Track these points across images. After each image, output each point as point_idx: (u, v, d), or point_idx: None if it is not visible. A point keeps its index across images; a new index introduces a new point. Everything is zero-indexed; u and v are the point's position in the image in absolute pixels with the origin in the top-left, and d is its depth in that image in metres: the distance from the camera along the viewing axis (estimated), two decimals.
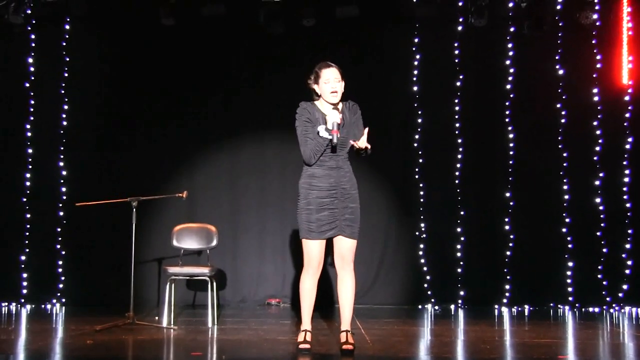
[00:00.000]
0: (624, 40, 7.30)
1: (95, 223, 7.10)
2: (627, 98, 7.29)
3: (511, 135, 7.28)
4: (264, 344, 4.63)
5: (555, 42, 7.29)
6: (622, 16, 7.30)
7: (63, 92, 7.39)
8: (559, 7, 7.21)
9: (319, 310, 5.58)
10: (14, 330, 5.51)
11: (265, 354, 4.32)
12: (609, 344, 5.08)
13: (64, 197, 7.26)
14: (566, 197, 7.21)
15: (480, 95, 7.35)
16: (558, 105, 7.27)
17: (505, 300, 7.16)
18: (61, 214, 7.26)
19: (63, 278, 7.22)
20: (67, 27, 7.42)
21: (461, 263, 7.20)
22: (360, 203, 4.35)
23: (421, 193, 7.32)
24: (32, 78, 7.38)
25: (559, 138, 7.26)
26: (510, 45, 7.32)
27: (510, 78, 7.30)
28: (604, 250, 7.16)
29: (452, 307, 7.16)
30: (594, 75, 7.29)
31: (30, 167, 7.32)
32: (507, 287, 7.16)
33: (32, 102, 7.37)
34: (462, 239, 7.23)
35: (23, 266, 7.21)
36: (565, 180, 7.22)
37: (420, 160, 7.34)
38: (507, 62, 7.31)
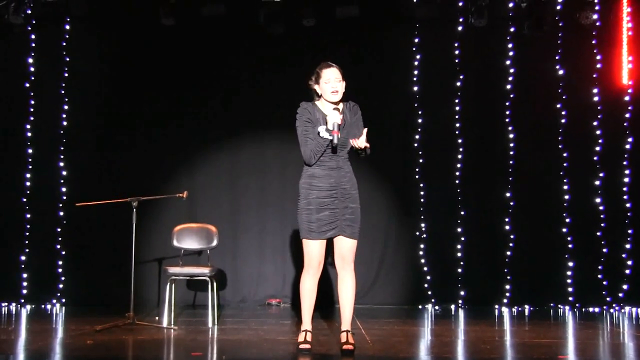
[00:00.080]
0: (624, 40, 7.31)
1: (96, 223, 7.10)
2: (627, 98, 7.30)
3: (511, 136, 7.28)
4: (264, 344, 4.63)
5: (555, 42, 7.30)
6: (622, 16, 7.31)
7: (63, 92, 7.39)
8: (559, 7, 7.21)
9: (319, 311, 5.58)
10: (14, 331, 5.51)
11: (265, 354, 4.31)
12: (609, 344, 5.08)
13: (64, 197, 7.27)
14: (566, 197, 7.21)
15: (481, 96, 7.36)
16: (558, 106, 7.28)
17: (505, 300, 7.16)
18: (61, 214, 7.26)
19: (63, 278, 7.22)
20: (67, 27, 7.42)
21: (461, 263, 7.20)
22: (360, 203, 4.35)
23: (421, 193, 7.33)
24: (32, 78, 7.38)
25: (559, 138, 7.27)
26: (510, 46, 7.32)
27: (510, 78, 7.30)
28: (604, 250, 7.17)
29: (453, 307, 7.16)
30: (594, 76, 7.29)
31: (30, 167, 7.32)
32: (508, 287, 7.16)
33: (32, 102, 7.37)
34: (463, 239, 7.23)
35: (23, 266, 7.21)
36: (565, 180, 7.23)
37: (421, 161, 7.34)
38: (507, 62, 7.31)
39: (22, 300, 7.18)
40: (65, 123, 7.37)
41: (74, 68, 7.42)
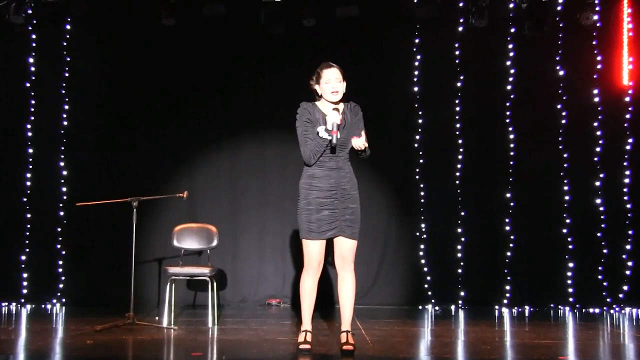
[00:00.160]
0: (625, 41, 7.30)
1: (96, 223, 7.10)
2: (627, 99, 7.30)
3: (511, 136, 7.28)
4: (264, 344, 4.63)
5: (555, 42, 7.29)
6: (622, 17, 7.31)
7: (63, 92, 7.39)
8: (559, 7, 7.21)
9: (319, 311, 5.58)
10: (14, 330, 5.51)
11: (265, 354, 4.31)
12: (610, 344, 5.09)
13: (64, 197, 7.26)
14: (566, 197, 7.21)
15: (481, 96, 7.36)
16: (558, 106, 7.27)
17: (505, 301, 7.15)
18: (61, 213, 7.26)
19: (63, 278, 7.22)
20: (68, 27, 7.42)
21: (461, 263, 7.20)
22: (360, 203, 4.35)
23: (421, 193, 7.32)
24: (33, 78, 7.38)
25: (560, 139, 7.26)
26: (510, 46, 7.32)
27: (510, 79, 7.30)
28: (605, 251, 7.16)
29: (453, 307, 7.16)
30: (595, 76, 7.29)
31: (30, 167, 7.32)
32: (508, 287, 7.16)
33: (33, 102, 7.37)
34: (463, 239, 7.23)
35: (23, 266, 7.20)
36: (565, 181, 7.22)
37: (421, 161, 7.34)
38: (508, 63, 7.31)
39: (22, 300, 7.18)
40: (65, 123, 7.37)
41: (75, 68, 7.43)
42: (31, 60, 7.38)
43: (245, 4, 7.20)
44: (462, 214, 7.25)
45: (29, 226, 7.26)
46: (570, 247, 7.17)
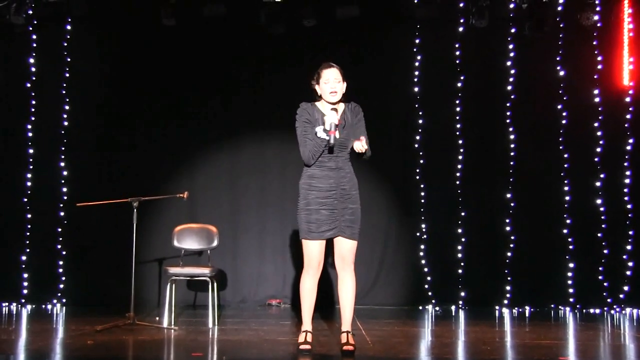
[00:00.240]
0: (625, 41, 7.30)
1: (96, 223, 7.10)
2: (627, 99, 7.30)
3: (512, 136, 7.28)
4: (265, 345, 4.63)
5: (556, 43, 7.29)
6: (623, 17, 7.31)
7: (64, 92, 7.39)
8: (559, 8, 7.21)
9: (320, 311, 5.58)
10: (14, 331, 5.51)
11: (265, 355, 4.31)
12: (610, 345, 5.08)
13: (65, 197, 7.27)
14: (567, 198, 7.20)
15: (481, 96, 7.36)
16: (559, 106, 7.27)
17: (505, 301, 7.15)
18: (62, 214, 7.26)
19: (64, 278, 7.22)
20: (68, 27, 7.42)
21: (462, 264, 7.20)
22: (360, 203, 4.35)
23: (422, 193, 7.32)
24: (33, 78, 7.38)
25: (560, 139, 7.26)
26: (511, 46, 7.32)
27: (511, 79, 7.30)
28: (605, 251, 7.16)
29: (453, 308, 7.15)
30: (595, 77, 7.29)
31: (31, 167, 7.32)
32: (508, 288, 7.15)
33: (33, 102, 7.37)
34: (463, 239, 7.23)
35: (24, 266, 7.20)
36: (566, 181, 7.22)
37: (421, 161, 7.33)
38: (508, 63, 7.31)
39: (23, 300, 7.18)
40: (66, 123, 7.37)
41: (75, 68, 7.43)
42: (31, 60, 7.38)
43: (246, 4, 7.21)
44: (463, 214, 7.25)
45: (29, 226, 7.26)
46: (570, 247, 7.17)
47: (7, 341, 4.79)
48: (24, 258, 7.21)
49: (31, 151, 7.34)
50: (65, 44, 7.42)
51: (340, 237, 4.28)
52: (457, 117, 7.32)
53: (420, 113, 7.36)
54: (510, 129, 7.28)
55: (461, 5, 7.22)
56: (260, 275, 7.43)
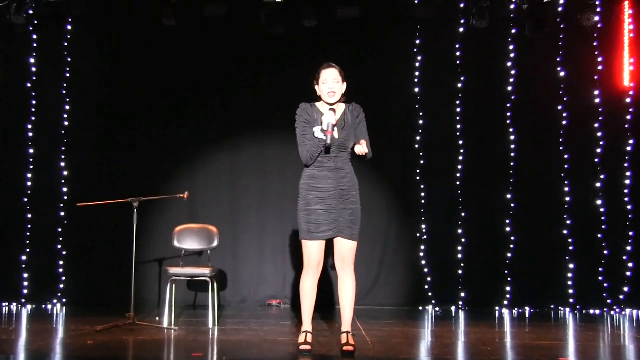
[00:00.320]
0: (626, 42, 7.30)
1: (96, 223, 7.10)
2: (628, 100, 7.30)
3: (512, 137, 7.28)
4: (265, 345, 4.63)
5: (556, 43, 7.29)
6: (623, 18, 7.31)
7: (64, 92, 7.39)
8: (560, 8, 7.21)
9: (320, 312, 5.58)
10: (14, 331, 5.51)
11: (265, 355, 4.32)
12: (610, 346, 5.08)
13: (65, 197, 7.26)
14: (567, 198, 7.20)
15: (481, 97, 7.35)
16: (559, 107, 7.27)
17: (505, 302, 7.15)
18: (62, 214, 7.26)
19: (64, 278, 7.22)
20: (69, 27, 7.42)
21: (462, 264, 7.19)
22: (360, 203, 4.35)
23: (422, 194, 7.32)
24: (34, 78, 7.38)
25: (560, 140, 7.26)
26: (511, 47, 7.31)
27: (511, 79, 7.30)
28: (605, 252, 7.16)
29: (453, 308, 7.15)
30: (595, 77, 7.28)
31: (31, 167, 7.32)
32: (508, 288, 7.15)
33: (34, 102, 7.37)
34: (463, 240, 7.22)
35: (24, 266, 7.20)
36: (566, 182, 7.22)
37: (421, 161, 7.33)
38: (509, 64, 7.30)
39: (23, 300, 7.18)
40: (66, 123, 7.37)
41: (75, 68, 7.43)
42: (32, 60, 7.38)
43: (246, 4, 7.20)
44: (463, 214, 7.24)
45: (29, 226, 7.26)
46: (570, 248, 7.16)
47: (7, 341, 4.79)
48: (24, 258, 7.21)
49: (31, 151, 7.34)
50: (66, 44, 7.42)
51: (340, 238, 4.28)
52: (458, 118, 7.32)
53: (421, 113, 7.35)
54: (511, 130, 7.28)
55: (461, 5, 7.21)
56: (261, 275, 7.43)
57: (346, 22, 7.25)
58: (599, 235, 7.16)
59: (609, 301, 7.11)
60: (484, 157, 7.33)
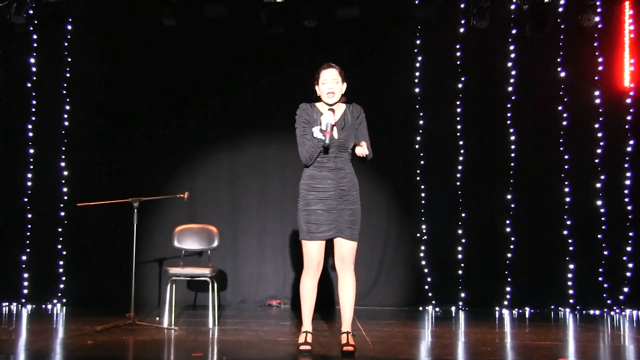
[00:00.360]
0: (626, 42, 7.30)
1: (96, 223, 7.10)
2: (628, 101, 7.29)
3: (512, 137, 7.28)
4: (265, 345, 4.63)
5: (556, 44, 7.29)
6: (624, 19, 7.31)
7: (64, 92, 7.39)
8: (560, 9, 7.21)
9: (320, 312, 5.58)
10: (14, 331, 5.51)
11: (265, 355, 4.31)
12: (610, 346, 5.08)
13: (65, 197, 7.26)
14: (567, 199, 7.20)
15: (482, 97, 7.35)
16: (559, 108, 7.27)
17: (506, 302, 7.15)
18: (62, 214, 7.26)
19: (64, 278, 7.22)
20: (69, 27, 7.42)
21: (462, 265, 7.19)
22: (360, 204, 4.35)
23: (422, 194, 7.32)
24: (34, 78, 7.38)
25: (560, 140, 7.26)
26: (511, 47, 7.31)
27: (511, 80, 7.30)
28: (605, 252, 7.15)
29: (453, 308, 7.15)
30: (596, 78, 7.28)
31: (31, 167, 7.32)
32: (508, 289, 7.15)
33: (34, 102, 7.37)
34: (463, 240, 7.22)
35: (24, 266, 7.20)
36: (566, 182, 7.21)
37: (421, 161, 7.33)
38: (509, 64, 7.30)
39: (23, 300, 7.18)
40: (66, 123, 7.37)
41: (75, 68, 7.43)
42: (32, 60, 7.38)
43: (246, 5, 7.21)
44: (463, 214, 7.24)
45: (29, 226, 7.26)
46: (570, 248, 7.16)
47: (7, 341, 4.79)
48: (24, 258, 7.21)
49: (31, 151, 7.34)
50: (66, 44, 7.42)
51: (340, 238, 4.28)
52: (458, 118, 7.32)
53: (421, 113, 7.35)
54: (511, 130, 7.28)
55: (462, 5, 7.21)
56: (261, 275, 7.43)
57: (346, 22, 7.25)
58: (599, 236, 7.16)
59: (609, 301, 7.11)
60: (484, 157, 7.33)
